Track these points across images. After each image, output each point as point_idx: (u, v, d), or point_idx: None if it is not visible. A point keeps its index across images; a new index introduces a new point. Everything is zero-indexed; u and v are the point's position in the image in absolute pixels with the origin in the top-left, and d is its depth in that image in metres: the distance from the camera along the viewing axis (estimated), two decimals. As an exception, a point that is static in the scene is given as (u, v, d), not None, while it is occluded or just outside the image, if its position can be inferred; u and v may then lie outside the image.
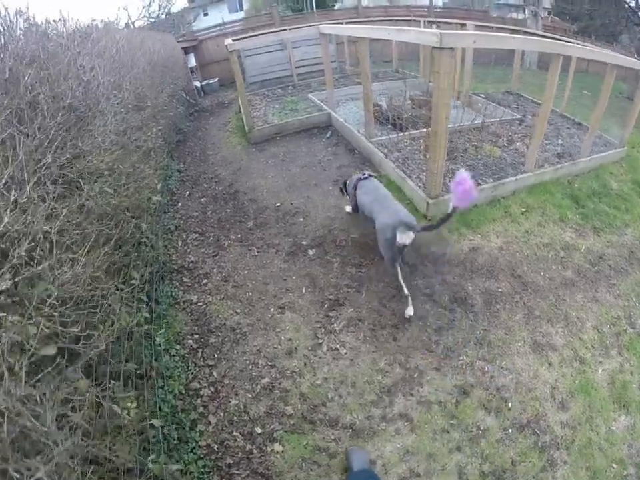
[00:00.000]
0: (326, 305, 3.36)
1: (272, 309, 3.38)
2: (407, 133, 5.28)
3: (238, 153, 6.11)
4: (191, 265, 3.98)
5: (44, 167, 1.49)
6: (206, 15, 24.89)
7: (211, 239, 4.29)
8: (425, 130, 5.54)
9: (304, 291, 3.53)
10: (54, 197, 1.57)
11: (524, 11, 29.02)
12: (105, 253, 1.90)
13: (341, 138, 6.09)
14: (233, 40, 6.82)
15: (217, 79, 11.51)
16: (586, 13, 18.34)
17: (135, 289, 2.55)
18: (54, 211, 1.53)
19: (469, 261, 3.72)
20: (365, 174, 3.69)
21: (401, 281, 3.09)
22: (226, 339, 3.16)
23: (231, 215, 4.61)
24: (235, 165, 5.78)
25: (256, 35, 8.84)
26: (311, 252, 3.93)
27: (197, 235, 4.37)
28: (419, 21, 9.14)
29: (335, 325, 3.19)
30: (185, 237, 4.38)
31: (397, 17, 10.16)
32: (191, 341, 3.16)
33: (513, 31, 8.15)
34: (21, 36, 2.27)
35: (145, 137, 3.45)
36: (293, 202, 4.61)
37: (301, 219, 4.33)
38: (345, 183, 3.95)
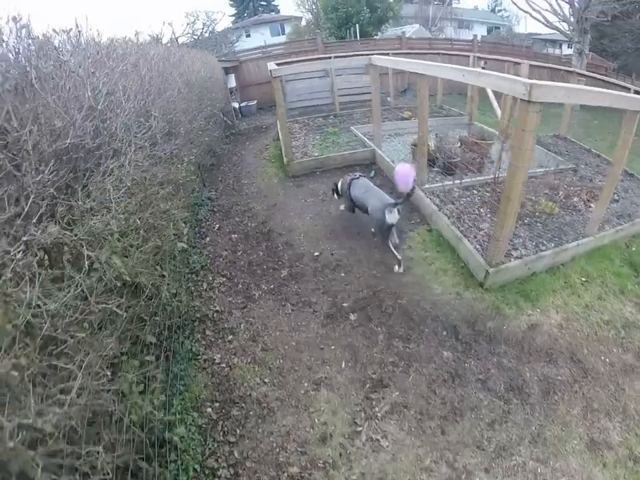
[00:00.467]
0: (368, 385, 2.88)
1: (306, 384, 2.91)
2: (460, 181, 4.81)
3: (274, 186, 5.74)
4: (215, 315, 3.55)
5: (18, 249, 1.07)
6: (248, 36, 25.34)
7: (240, 286, 3.85)
8: (479, 178, 5.08)
9: (343, 365, 3.04)
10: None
11: (560, 46, 28.71)
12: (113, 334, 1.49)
13: (386, 179, 5.66)
14: (277, 64, 6.57)
15: (256, 101, 11.38)
16: (627, 50, 17.84)
17: (149, 368, 2.12)
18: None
19: (527, 341, 3.23)
20: (356, 175, 4.36)
21: (395, 252, 3.78)
22: (251, 412, 2.71)
23: (264, 259, 4.18)
24: (270, 199, 5.40)
25: (301, 61, 8.67)
26: (352, 317, 3.44)
27: (224, 279, 3.94)
28: (467, 56, 8.79)
29: (377, 409, 2.72)
30: (210, 279, 3.97)
31: (442, 50, 9.81)
32: (210, 410, 2.72)
33: (567, 72, 7.72)
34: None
35: (174, 169, 3.07)
36: (333, 252, 4.15)
37: (342, 275, 3.86)
38: (336, 185, 4.60)
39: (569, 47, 29.54)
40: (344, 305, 3.55)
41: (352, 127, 7.38)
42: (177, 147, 3.28)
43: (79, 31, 2.64)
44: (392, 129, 7.50)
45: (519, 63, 7.26)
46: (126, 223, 1.82)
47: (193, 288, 3.82)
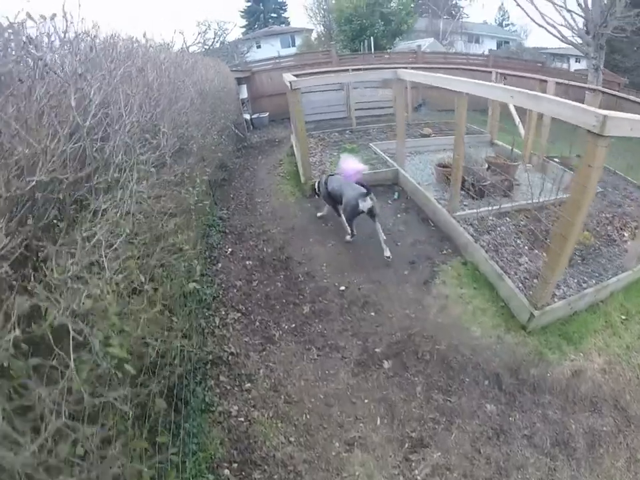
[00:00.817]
0: (406, 445, 2.53)
1: (337, 444, 2.54)
2: (497, 207, 4.46)
3: (291, 207, 5.39)
4: (230, 358, 3.18)
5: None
6: (259, 47, 25.37)
7: (257, 323, 3.48)
8: (515, 204, 4.73)
9: (378, 422, 2.68)
10: None
11: (567, 60, 28.55)
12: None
13: (410, 202, 5.31)
14: (295, 75, 6.28)
15: (268, 113, 11.12)
16: (640, 65, 17.67)
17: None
18: None
19: (571, 389, 2.94)
20: (332, 173, 4.73)
21: (351, 228, 4.35)
22: (275, 476, 2.35)
23: (282, 292, 3.82)
24: (287, 221, 5.05)
25: (320, 73, 8.39)
26: (386, 364, 3.07)
27: (239, 315, 3.58)
28: (489, 71, 8.49)
29: (417, 472, 2.39)
30: (224, 313, 3.60)
31: (460, 65, 9.53)
32: (227, 471, 2.37)
33: (590, 90, 7.38)
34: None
35: (185, 193, 2.69)
36: (360, 286, 3.78)
37: (372, 314, 3.49)
38: (317, 185, 4.84)
39: (576, 62, 29.56)
40: (376, 350, 3.18)
41: (371, 144, 7.06)
42: (189, 167, 2.90)
43: (65, 19, 1.89)
44: (411, 147, 7.17)
45: (545, 81, 6.94)
46: (125, 284, 1.38)
47: (204, 324, 3.46)
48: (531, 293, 3.33)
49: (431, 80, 4.34)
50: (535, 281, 3.56)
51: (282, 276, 4.05)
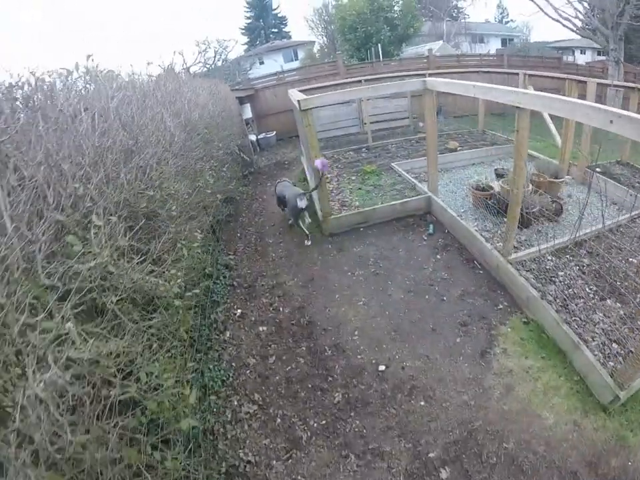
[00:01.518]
0: None
1: None
2: (554, 243, 3.66)
3: (309, 250, 4.65)
4: (247, 468, 2.50)
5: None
6: (262, 63, 25.01)
7: (279, 420, 2.74)
8: (582, 235, 3.91)
9: None
10: None
11: (572, 53, 27.45)
12: None
13: (449, 236, 4.53)
14: (301, 91, 5.58)
15: (275, 132, 10.46)
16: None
17: None
18: None
19: None
20: (281, 180, 5.42)
21: (304, 229, 4.81)
22: None
23: (307, 373, 3.07)
24: (305, 269, 4.31)
25: (327, 87, 7.71)
26: (444, 473, 2.34)
27: (255, 408, 2.85)
28: (515, 73, 7.71)
29: None
30: (236, 404, 2.88)
31: (477, 68, 8.74)
32: None
33: (629, 89, 6.54)
34: None
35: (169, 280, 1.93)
36: (404, 364, 3.00)
37: (422, 403, 2.71)
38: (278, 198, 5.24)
39: (581, 53, 28.62)
40: (430, 454, 2.43)
41: (393, 164, 6.31)
42: (163, 250, 2.09)
43: None
44: (438, 164, 6.42)
45: (582, 82, 6.11)
46: None
47: (212, 420, 2.74)
48: (612, 365, 2.63)
49: (474, 91, 3.55)
50: (615, 346, 2.80)
51: (304, 348, 3.30)
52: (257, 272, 4.42)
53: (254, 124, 10.37)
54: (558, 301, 3.18)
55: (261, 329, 3.59)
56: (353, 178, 6.04)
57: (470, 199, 5.19)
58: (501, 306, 3.42)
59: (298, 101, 4.00)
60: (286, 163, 8.50)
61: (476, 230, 4.17)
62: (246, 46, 33.25)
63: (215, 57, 17.11)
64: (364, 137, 8.68)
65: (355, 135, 9.13)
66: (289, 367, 3.13)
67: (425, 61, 11.90)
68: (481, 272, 3.89)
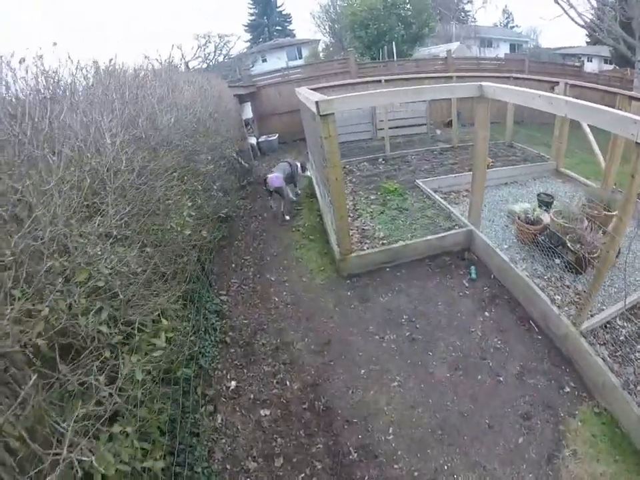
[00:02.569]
0: None
1: None
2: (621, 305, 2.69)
3: (320, 294, 3.63)
4: None
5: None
6: (264, 61, 24.00)
7: None
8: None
9: None
10: None
11: (579, 60, 26.66)
12: None
13: (495, 283, 3.57)
14: (313, 89, 4.54)
15: (277, 135, 9.42)
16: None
17: None
18: None
19: None
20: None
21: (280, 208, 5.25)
22: None
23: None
24: (318, 325, 3.30)
25: (342, 85, 6.73)
26: None
27: None
28: (553, 82, 6.76)
29: None
30: None
31: (513, 74, 7.76)
32: None
33: None
34: None
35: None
36: (456, 476, 2.03)
37: None
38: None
39: (589, 61, 27.95)
40: None
41: (418, 181, 5.31)
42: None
43: None
44: (467, 182, 5.43)
45: (634, 97, 5.09)
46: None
47: None
48: None
49: (566, 109, 2.50)
50: None
51: (321, 446, 2.34)
52: (255, 323, 3.40)
53: (254, 125, 9.33)
54: (637, 386, 2.25)
55: (262, 412, 2.61)
56: (372, 197, 5.02)
57: (511, 229, 4.25)
58: (567, 388, 2.58)
59: (316, 102, 2.97)
60: (290, 171, 7.46)
61: (527, 275, 3.22)
62: (249, 43, 32.20)
63: (215, 51, 16.06)
64: (378, 144, 7.69)
65: (367, 141, 8.13)
66: (302, 475, 2.14)
67: (442, 62, 10.92)
68: (540, 337, 2.99)
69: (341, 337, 3.15)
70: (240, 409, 2.66)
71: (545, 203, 4.70)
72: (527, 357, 2.83)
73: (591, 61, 28.22)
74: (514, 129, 7.62)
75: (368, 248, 3.79)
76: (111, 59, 2.42)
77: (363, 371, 2.83)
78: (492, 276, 3.65)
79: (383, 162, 6.59)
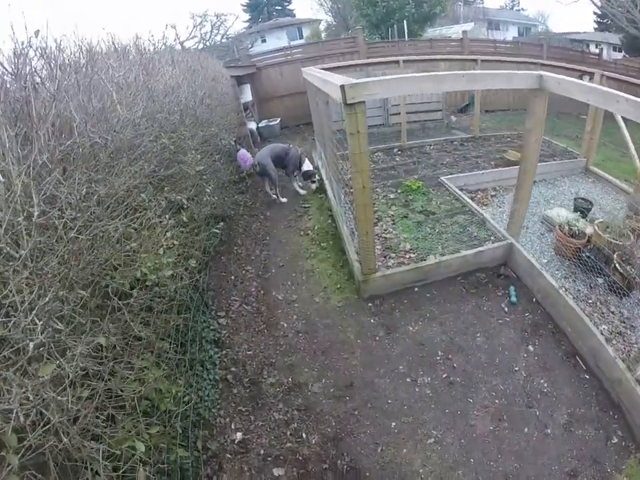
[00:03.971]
0: None
1: None
2: None
3: (340, 324, 3.03)
4: None
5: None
6: (264, 41, 22.93)
7: None
8: None
9: None
10: None
11: (587, 46, 25.75)
12: None
13: (536, 308, 3.03)
14: (325, 69, 3.83)
15: (279, 119, 8.71)
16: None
17: None
18: None
19: None
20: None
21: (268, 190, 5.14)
22: None
23: None
24: (337, 362, 2.74)
25: (349, 66, 6.03)
26: None
27: None
28: (586, 72, 6.15)
29: None
30: None
31: (540, 60, 7.07)
32: None
33: None
34: None
35: None
36: None
37: None
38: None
39: (596, 47, 27.11)
40: None
41: (442, 179, 4.70)
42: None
43: None
44: (492, 180, 4.85)
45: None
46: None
47: None
48: None
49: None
50: None
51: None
52: (261, 356, 2.84)
53: (254, 109, 8.60)
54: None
55: (276, 472, 2.12)
56: (392, 196, 4.41)
57: (547, 238, 3.71)
58: (615, 439, 2.18)
59: (342, 87, 2.25)
60: (294, 161, 6.79)
61: (575, 302, 2.70)
62: (248, 23, 30.88)
63: (212, 31, 15.10)
64: (391, 131, 7.06)
65: (379, 127, 7.48)
66: None
67: (457, 43, 10.14)
68: (587, 377, 2.52)
69: (365, 378, 2.59)
70: (249, 468, 2.15)
71: (583, 209, 4.15)
72: (574, 401, 2.37)
73: (600, 48, 27.36)
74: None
75: (394, 264, 3.20)
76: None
77: (393, 424, 2.30)
78: (534, 299, 3.10)
79: (399, 152, 5.95)
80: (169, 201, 2.04)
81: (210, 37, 14.62)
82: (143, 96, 2.09)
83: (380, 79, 2.29)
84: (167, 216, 1.81)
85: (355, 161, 2.37)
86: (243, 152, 5.19)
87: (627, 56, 18.49)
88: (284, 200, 5.03)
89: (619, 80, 5.49)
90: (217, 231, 2.50)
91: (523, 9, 38.43)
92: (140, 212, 1.64)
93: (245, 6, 32.91)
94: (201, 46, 13.87)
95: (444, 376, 2.57)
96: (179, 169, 2.37)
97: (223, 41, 15.22)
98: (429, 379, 2.56)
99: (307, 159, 5.13)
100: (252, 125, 7.95)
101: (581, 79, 7.55)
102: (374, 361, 2.71)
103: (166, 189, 2.01)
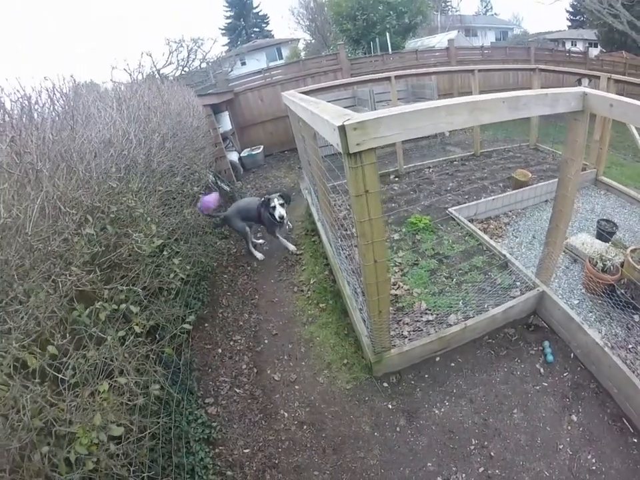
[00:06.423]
0: None
1: None
2: None
3: (351, 412, 2.47)
4: None
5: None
6: (243, 64, 22.64)
7: None
8: None
9: None
10: None
11: (563, 44, 25.90)
12: None
13: (575, 365, 2.53)
14: (302, 93, 3.23)
15: (262, 147, 8.22)
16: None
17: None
18: None
19: None
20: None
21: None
22: None
23: None
24: (351, 462, 2.20)
25: (334, 87, 5.51)
26: None
27: None
28: (597, 77, 5.79)
29: None
30: None
31: (540, 65, 6.68)
32: None
33: None
34: None
35: None
36: None
37: None
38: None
39: (572, 45, 27.38)
40: None
41: (450, 210, 4.19)
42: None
43: None
44: (502, 207, 4.35)
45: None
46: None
47: None
48: None
49: None
50: None
51: None
52: (261, 456, 2.29)
53: (235, 138, 8.10)
54: None
55: None
56: (396, 237, 3.88)
57: (573, 272, 3.22)
58: None
59: (342, 127, 1.52)
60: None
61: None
62: (227, 47, 30.83)
63: (189, 56, 14.67)
64: (381, 153, 6.57)
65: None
66: None
67: (443, 53, 9.79)
68: (635, 440, 2.08)
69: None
70: None
71: (607, 233, 3.68)
72: (623, 473, 1.96)
73: (576, 45, 27.64)
74: (544, 125, 6.56)
75: (410, 333, 2.65)
76: None
77: None
78: (572, 355, 2.58)
79: (397, 179, 5.45)
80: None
81: (187, 62, 14.20)
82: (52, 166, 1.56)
83: (396, 111, 1.63)
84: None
85: (364, 230, 1.81)
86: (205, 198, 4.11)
87: (604, 51, 18.43)
88: (259, 256, 4.28)
89: (625, 82, 5.06)
90: (187, 326, 1.95)
91: (496, 14, 38.89)
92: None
93: (223, 29, 32.98)
94: (178, 73, 13.44)
95: (480, 470, 2.05)
96: (128, 251, 1.83)
97: (203, 66, 14.81)
98: (464, 475, 2.04)
99: (276, 196, 4.00)
100: (233, 156, 7.43)
101: (580, 83, 7.20)
102: (396, 459, 2.17)
103: (105, 296, 1.47)
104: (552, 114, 2.07)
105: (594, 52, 18.15)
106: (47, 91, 2.60)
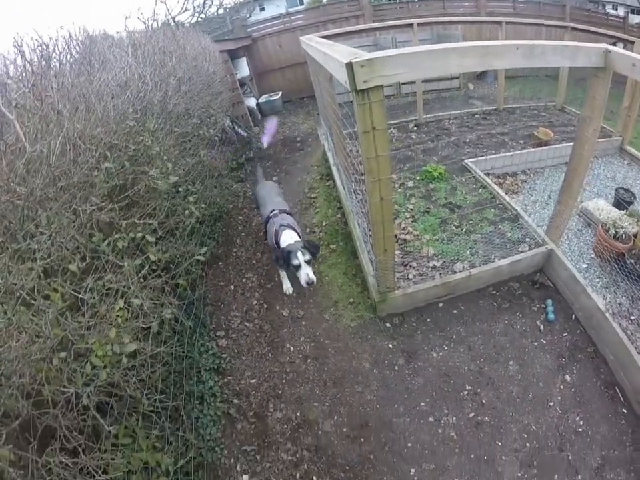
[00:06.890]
0: None
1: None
2: None
3: (353, 349, 2.64)
4: None
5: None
6: (262, 9, 21.37)
7: None
8: None
9: None
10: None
11: (603, 7, 23.79)
12: None
13: (575, 327, 2.62)
14: (326, 37, 3.16)
15: (280, 93, 8.06)
16: None
17: None
18: None
19: None
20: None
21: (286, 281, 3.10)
22: None
23: None
24: (350, 396, 2.39)
25: (354, 32, 5.31)
26: None
27: None
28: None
29: None
30: None
31: (531, 19, 6.25)
32: None
33: None
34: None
35: None
36: None
37: None
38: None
39: (613, 9, 25.25)
40: None
41: (467, 162, 4.17)
42: None
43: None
44: (520, 162, 4.30)
45: None
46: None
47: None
48: None
49: None
50: None
51: None
52: (267, 386, 2.49)
53: (252, 84, 7.93)
54: None
55: None
56: (410, 184, 3.90)
57: (586, 235, 3.26)
58: None
59: (349, 64, 1.55)
60: (298, 140, 6.19)
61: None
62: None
63: (205, 2, 13.98)
64: (402, 102, 6.46)
65: (389, 98, 6.88)
66: None
67: (469, 4, 9.20)
68: (625, 411, 2.19)
69: (382, 417, 2.24)
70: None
71: (624, 202, 3.65)
72: (609, 440, 2.08)
73: (617, 9, 25.49)
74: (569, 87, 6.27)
75: (415, 276, 2.75)
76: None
77: (413, 470, 2.01)
78: (573, 316, 2.67)
79: (415, 129, 5.36)
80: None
81: (203, 9, 13.58)
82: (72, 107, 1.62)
83: (405, 51, 1.62)
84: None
85: (371, 167, 1.86)
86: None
87: (646, 19, 17.06)
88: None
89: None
90: (201, 257, 2.04)
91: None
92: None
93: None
94: (194, 20, 12.91)
95: (471, 415, 2.22)
96: (145, 188, 1.91)
97: (220, 12, 14.19)
98: (454, 418, 2.21)
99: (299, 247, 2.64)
100: (251, 102, 7.32)
101: (615, 46, 6.78)
102: (392, 396, 2.34)
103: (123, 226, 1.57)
104: (578, 68, 2.01)
105: (635, 19, 16.82)
106: (64, 38, 2.61)
